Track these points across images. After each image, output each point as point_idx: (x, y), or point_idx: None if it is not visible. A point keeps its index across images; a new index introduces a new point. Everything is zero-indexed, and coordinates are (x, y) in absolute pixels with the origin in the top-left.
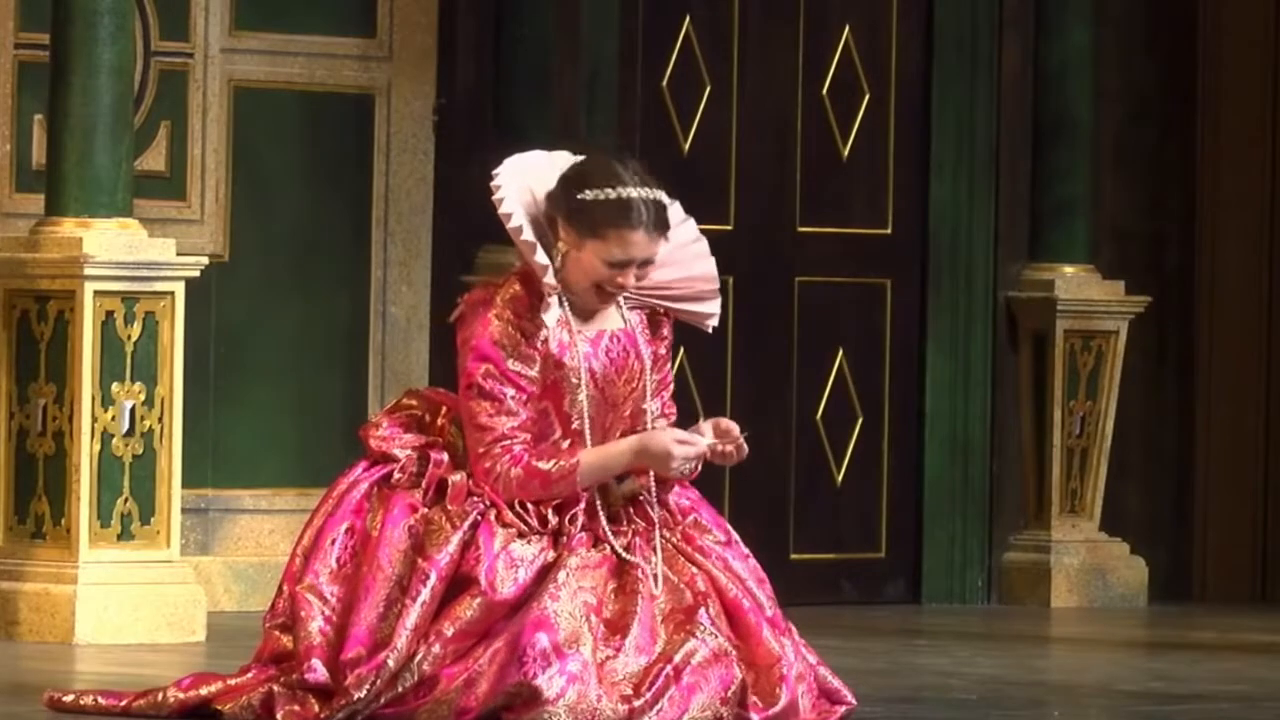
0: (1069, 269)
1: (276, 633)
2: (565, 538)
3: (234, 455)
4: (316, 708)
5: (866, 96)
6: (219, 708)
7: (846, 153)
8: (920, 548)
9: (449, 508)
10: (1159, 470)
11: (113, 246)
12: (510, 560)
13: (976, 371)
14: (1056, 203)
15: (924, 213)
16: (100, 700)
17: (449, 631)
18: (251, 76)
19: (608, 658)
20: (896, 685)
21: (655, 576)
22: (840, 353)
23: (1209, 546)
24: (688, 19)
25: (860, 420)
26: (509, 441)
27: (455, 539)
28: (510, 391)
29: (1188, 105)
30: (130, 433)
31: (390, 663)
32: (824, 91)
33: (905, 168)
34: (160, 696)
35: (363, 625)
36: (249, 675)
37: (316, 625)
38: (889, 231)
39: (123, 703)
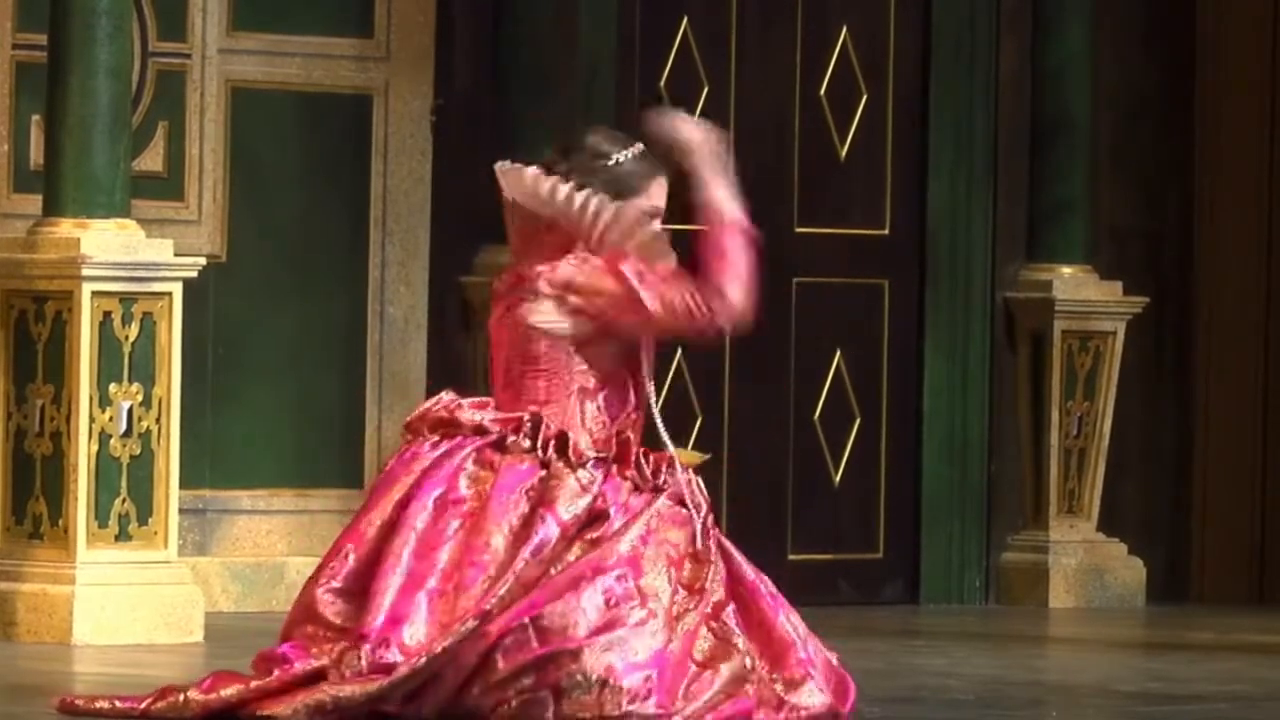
0: (1067, 269)
1: (325, 595)
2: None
3: (231, 456)
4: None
5: (864, 97)
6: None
7: (844, 153)
8: (918, 548)
9: (573, 460)
10: (1157, 470)
11: (110, 247)
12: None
13: (974, 372)
14: (1054, 203)
15: (922, 213)
16: (117, 704)
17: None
18: (249, 77)
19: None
20: (895, 686)
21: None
22: (838, 353)
23: (1207, 547)
24: (685, 19)
25: (858, 420)
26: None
27: (584, 500)
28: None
29: (1186, 106)
30: (128, 433)
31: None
32: (821, 92)
33: (903, 168)
34: (180, 698)
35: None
36: (272, 677)
37: (389, 599)
38: (887, 232)
39: (141, 705)
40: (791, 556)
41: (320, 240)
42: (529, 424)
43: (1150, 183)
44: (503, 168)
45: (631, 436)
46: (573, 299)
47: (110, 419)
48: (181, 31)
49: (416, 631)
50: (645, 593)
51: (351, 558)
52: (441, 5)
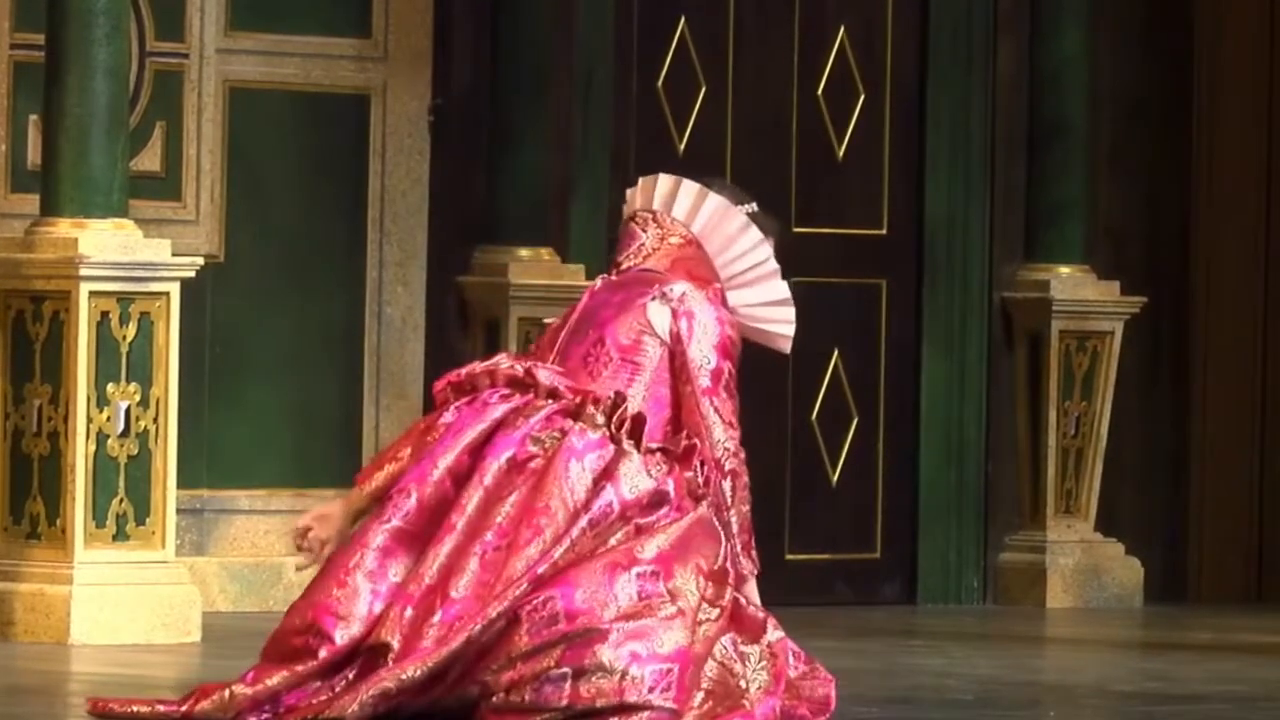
0: (1064, 269)
1: (381, 538)
2: None
3: (229, 456)
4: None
5: (862, 97)
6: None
7: (842, 153)
8: (916, 548)
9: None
10: (1154, 471)
11: (108, 247)
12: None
13: (972, 372)
14: (1052, 203)
15: (920, 213)
16: (159, 707)
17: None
18: (247, 77)
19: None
20: (892, 686)
21: None
22: (836, 353)
23: (1204, 547)
24: (683, 19)
25: (856, 421)
26: (743, 453)
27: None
28: (736, 402)
29: (1183, 106)
30: (125, 433)
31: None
32: (819, 92)
33: (901, 168)
34: (225, 695)
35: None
36: (318, 659)
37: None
38: (884, 232)
39: (183, 708)
40: (789, 557)
41: (318, 240)
42: (610, 400)
43: (1148, 183)
44: (682, 181)
45: (698, 443)
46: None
47: (108, 419)
48: (179, 31)
49: (460, 593)
50: (674, 592)
51: (414, 497)
52: (439, 6)
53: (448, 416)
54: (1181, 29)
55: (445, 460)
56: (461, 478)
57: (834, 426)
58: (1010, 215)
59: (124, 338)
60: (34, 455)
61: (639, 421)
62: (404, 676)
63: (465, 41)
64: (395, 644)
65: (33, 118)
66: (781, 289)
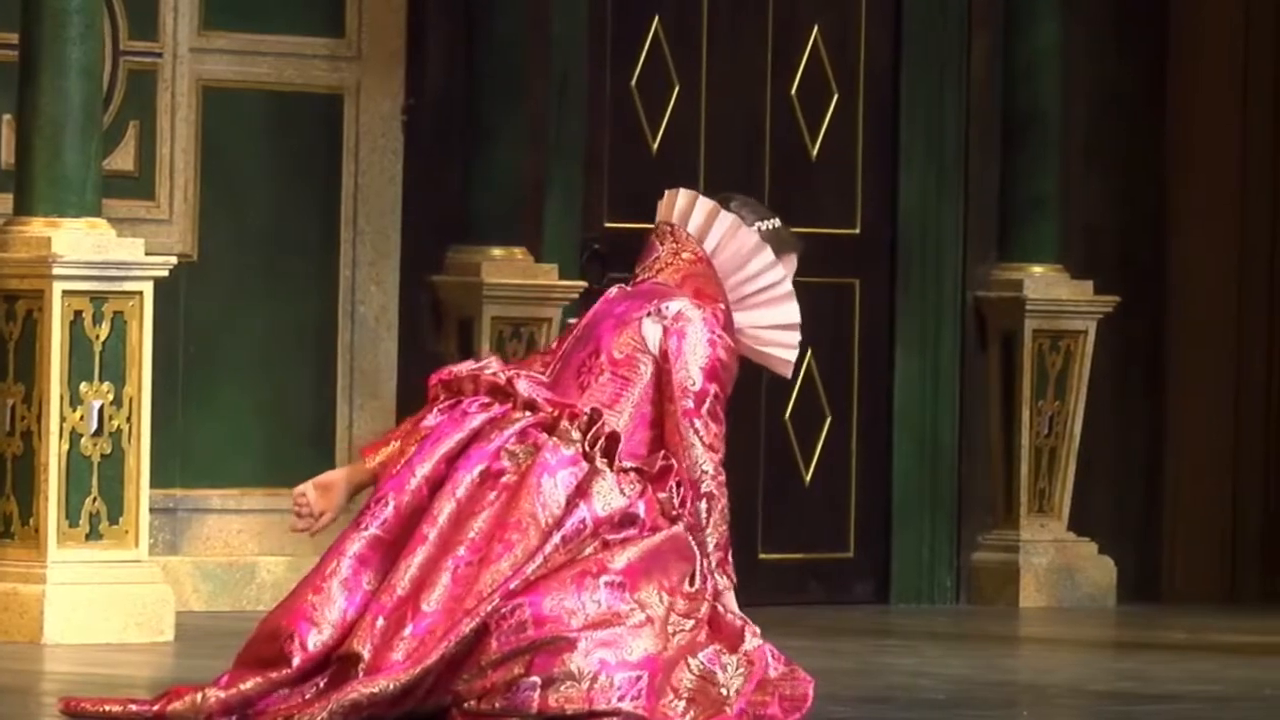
0: (1038, 269)
1: (357, 546)
2: None
3: (202, 455)
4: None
5: (835, 96)
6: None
7: (815, 152)
8: (889, 548)
9: (627, 466)
10: (1127, 470)
11: (81, 246)
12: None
13: (945, 371)
14: (1025, 202)
15: (893, 212)
16: (131, 707)
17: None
18: (220, 76)
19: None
20: (866, 685)
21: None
22: (809, 352)
23: (1177, 547)
24: (656, 19)
25: (829, 420)
26: (723, 476)
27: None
28: (721, 426)
29: (1158, 103)
30: (98, 432)
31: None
32: (793, 91)
33: (874, 167)
34: (198, 698)
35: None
36: (292, 667)
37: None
38: (858, 231)
39: (154, 708)
40: (762, 556)
41: (291, 240)
42: (586, 417)
43: (1122, 181)
44: (698, 197)
45: (674, 463)
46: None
47: (81, 418)
48: (153, 31)
49: (431, 606)
50: (641, 603)
51: (391, 505)
52: (413, 6)
53: (429, 420)
54: (1156, 24)
55: (423, 469)
56: (437, 486)
57: (807, 426)
58: (984, 214)
59: (97, 337)
60: (7, 454)
61: (613, 440)
62: (375, 690)
63: (439, 41)
64: (366, 654)
65: (6, 117)
66: (789, 313)
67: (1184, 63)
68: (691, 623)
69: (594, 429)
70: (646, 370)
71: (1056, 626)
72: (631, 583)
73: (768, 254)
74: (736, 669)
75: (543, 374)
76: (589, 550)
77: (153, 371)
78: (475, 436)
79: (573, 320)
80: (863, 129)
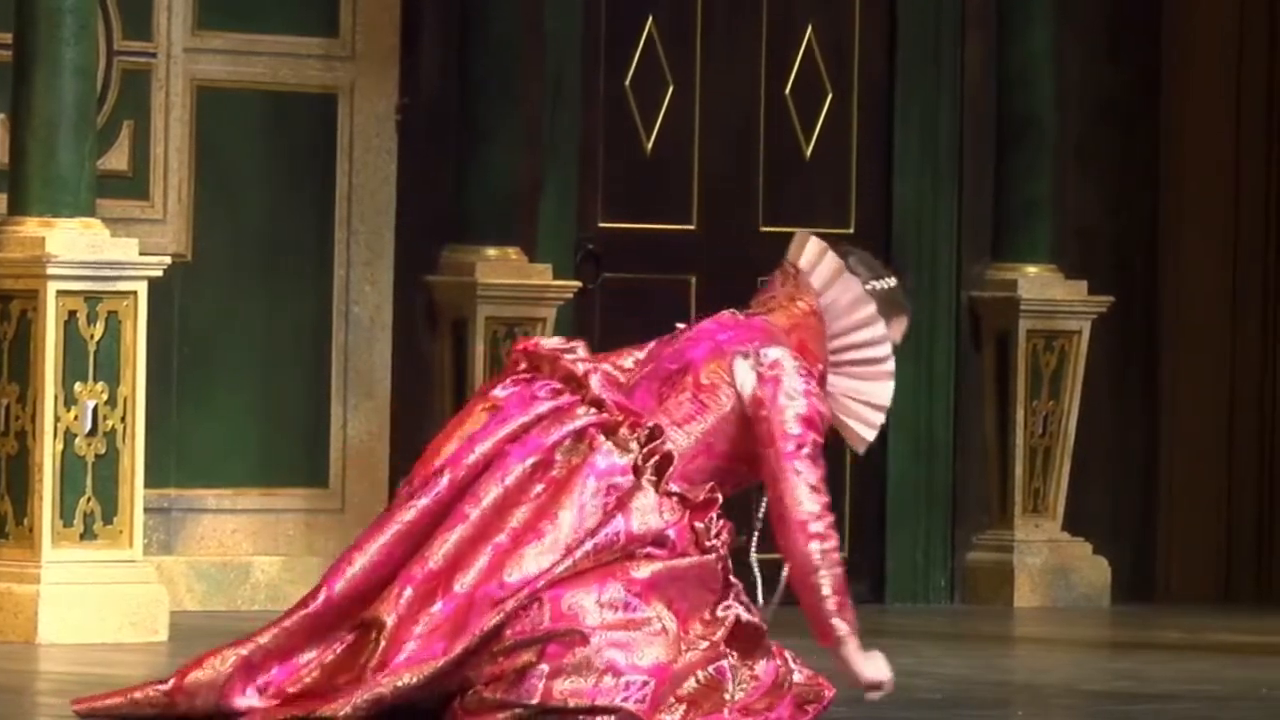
0: (1032, 269)
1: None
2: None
3: (197, 455)
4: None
5: (829, 96)
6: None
7: (809, 152)
8: (884, 548)
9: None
10: (1122, 470)
11: (76, 246)
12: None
13: (940, 371)
14: (1020, 203)
15: (887, 212)
16: (150, 691)
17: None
18: (215, 76)
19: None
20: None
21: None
22: None
23: (1172, 546)
24: (650, 19)
25: None
26: (832, 516)
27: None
28: (822, 470)
29: (1151, 105)
30: (93, 432)
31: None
32: (787, 91)
33: (868, 167)
34: (219, 659)
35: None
36: (306, 610)
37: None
38: (852, 231)
39: (170, 683)
40: (758, 556)
41: (286, 240)
42: (646, 431)
43: (1116, 182)
44: (828, 251)
45: (719, 497)
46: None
47: (75, 418)
48: (147, 31)
49: (464, 588)
50: (656, 617)
51: (447, 478)
52: (407, 5)
53: (500, 391)
54: (1149, 28)
55: (482, 447)
56: (489, 465)
57: None
58: (978, 215)
59: (91, 337)
60: (1, 454)
61: (667, 460)
62: (399, 684)
63: (433, 41)
64: (390, 622)
65: (0, 116)
66: (882, 393)
67: (1177, 66)
68: (706, 644)
69: (652, 444)
70: (727, 403)
71: (1051, 626)
72: (645, 596)
73: (879, 328)
74: (739, 684)
75: (629, 370)
76: (615, 557)
77: (147, 371)
78: (537, 422)
79: (681, 326)
80: (857, 129)
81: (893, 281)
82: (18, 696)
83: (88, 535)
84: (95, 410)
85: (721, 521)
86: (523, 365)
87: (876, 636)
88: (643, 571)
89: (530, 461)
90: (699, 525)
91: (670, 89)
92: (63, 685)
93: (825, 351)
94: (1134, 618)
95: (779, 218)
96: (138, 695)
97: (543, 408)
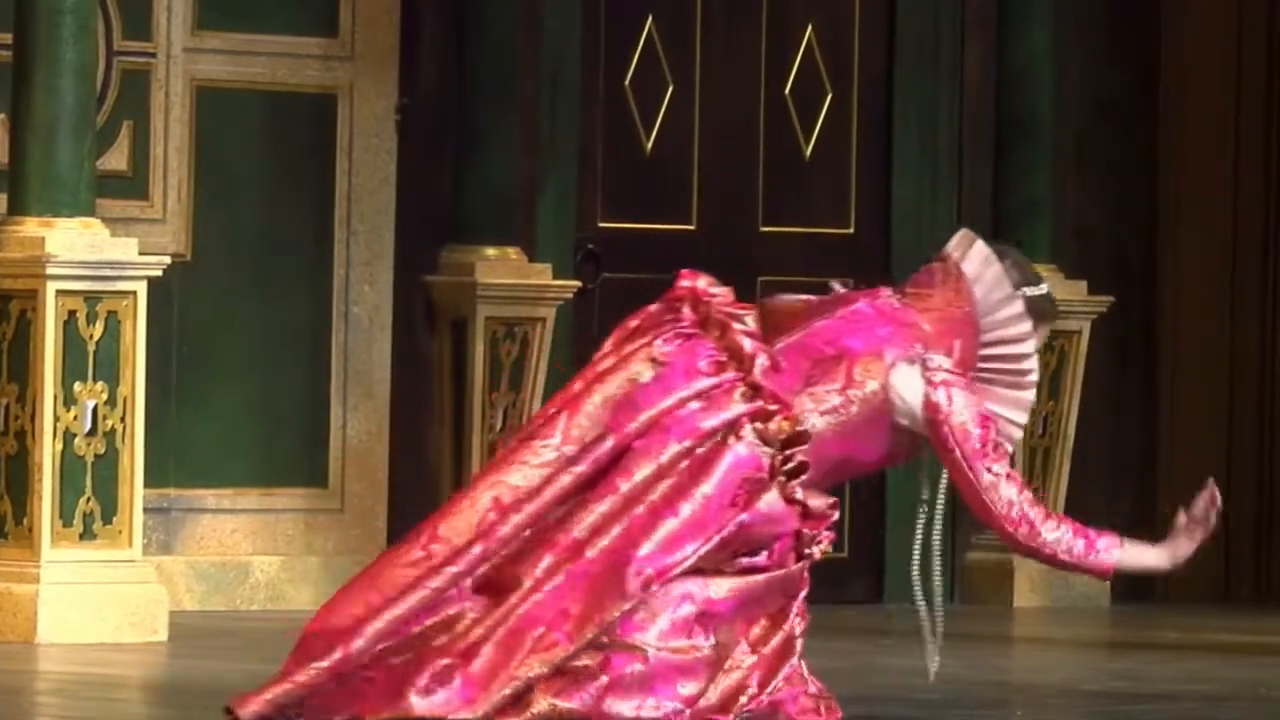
0: None
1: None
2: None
3: (196, 455)
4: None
5: (829, 96)
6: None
7: (809, 152)
8: (883, 547)
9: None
10: (1122, 470)
11: (75, 246)
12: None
13: None
14: (1019, 203)
15: (887, 212)
16: (312, 669)
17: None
18: (214, 76)
19: None
20: (860, 685)
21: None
22: None
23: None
24: (650, 19)
25: None
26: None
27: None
28: (1006, 458)
29: (1150, 106)
30: (92, 432)
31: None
32: (786, 91)
33: (868, 167)
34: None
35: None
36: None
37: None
38: (851, 231)
39: (326, 662)
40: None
41: (285, 240)
42: (793, 431)
43: (1115, 182)
44: (992, 259)
45: (835, 514)
46: (939, 400)
47: (75, 418)
48: (147, 31)
49: (593, 553)
50: (719, 645)
51: (611, 443)
52: (407, 5)
53: (663, 347)
54: (1148, 28)
55: (647, 414)
56: (646, 432)
57: None
58: (977, 215)
59: (91, 337)
60: (0, 454)
61: (802, 469)
62: (531, 675)
63: (432, 41)
64: (528, 584)
65: (0, 116)
66: (1023, 405)
67: (1175, 66)
68: (753, 658)
69: (792, 448)
70: (873, 402)
71: (1050, 626)
72: (711, 623)
73: (1029, 344)
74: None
75: (790, 327)
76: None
77: (146, 371)
78: (696, 398)
79: (838, 287)
80: (856, 129)
81: (1045, 288)
82: (16, 697)
83: (87, 535)
84: (95, 410)
85: (829, 532)
86: (686, 313)
87: (876, 635)
88: (719, 590)
89: (685, 444)
90: (806, 532)
91: (670, 89)
92: (62, 685)
93: (975, 359)
94: (1132, 618)
95: (778, 218)
96: (300, 678)
97: (704, 384)
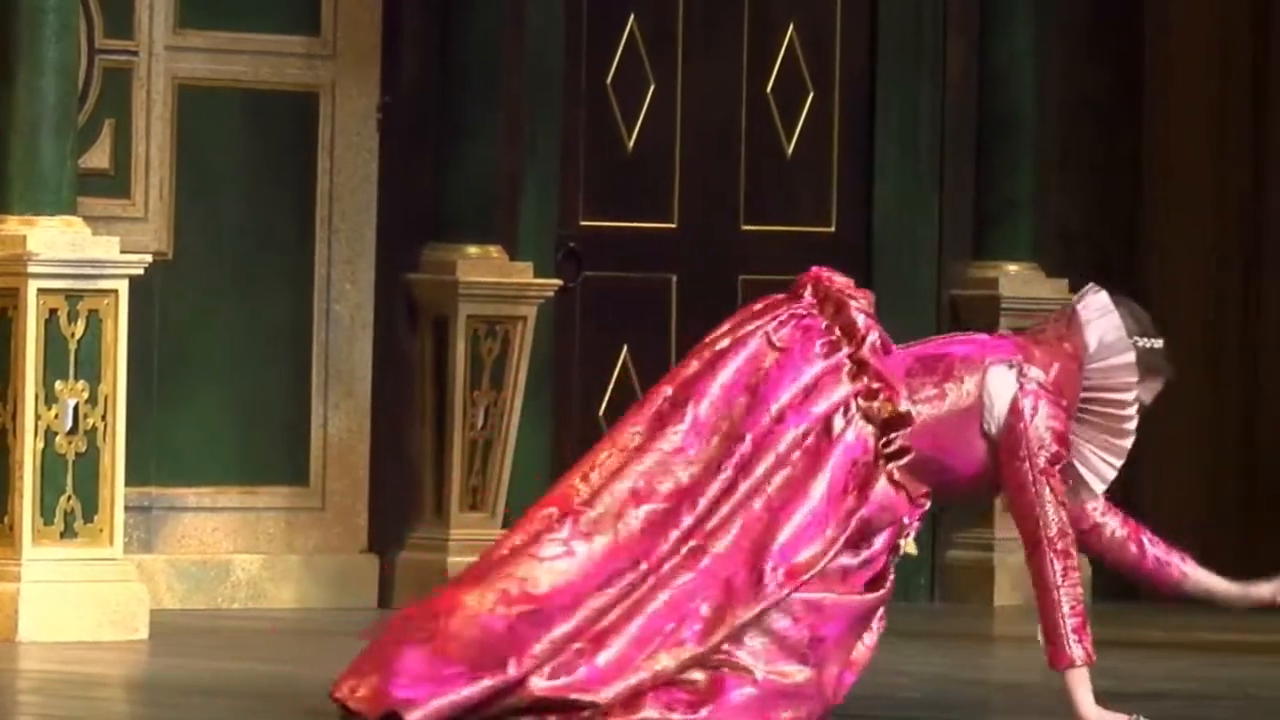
0: (1013, 267)
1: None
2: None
3: (177, 453)
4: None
5: (811, 94)
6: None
7: (791, 151)
8: None
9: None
10: None
11: (57, 244)
12: None
13: None
14: (1001, 201)
15: (868, 211)
16: (484, 682)
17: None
18: (196, 74)
19: None
20: None
21: None
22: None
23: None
24: (632, 18)
25: None
26: (1073, 535)
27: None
28: (1065, 487)
29: (1133, 105)
30: (74, 430)
31: None
32: (768, 89)
33: (849, 166)
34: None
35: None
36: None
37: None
38: (833, 229)
39: (511, 671)
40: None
41: (267, 238)
42: (895, 413)
43: (1098, 181)
44: (1114, 313)
45: (927, 504)
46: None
47: (56, 416)
48: (128, 29)
49: (720, 548)
50: (804, 679)
51: (749, 442)
52: (389, 4)
53: (781, 333)
54: (1131, 28)
55: (776, 405)
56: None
57: None
58: (959, 213)
59: (72, 335)
60: None
61: (904, 451)
62: (658, 669)
63: (414, 39)
64: (652, 579)
65: None
66: (1118, 453)
67: (1159, 65)
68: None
69: (894, 430)
70: (965, 401)
71: (1031, 625)
72: (824, 646)
73: (1132, 393)
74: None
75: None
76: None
77: (128, 370)
78: (815, 384)
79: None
80: (838, 128)
81: (1159, 342)
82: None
83: (68, 533)
84: (76, 409)
85: (916, 524)
86: (806, 296)
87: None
88: (835, 612)
89: (800, 429)
90: (904, 520)
91: (652, 87)
92: (42, 683)
93: (1077, 397)
94: (1116, 616)
95: (760, 216)
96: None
97: (818, 368)
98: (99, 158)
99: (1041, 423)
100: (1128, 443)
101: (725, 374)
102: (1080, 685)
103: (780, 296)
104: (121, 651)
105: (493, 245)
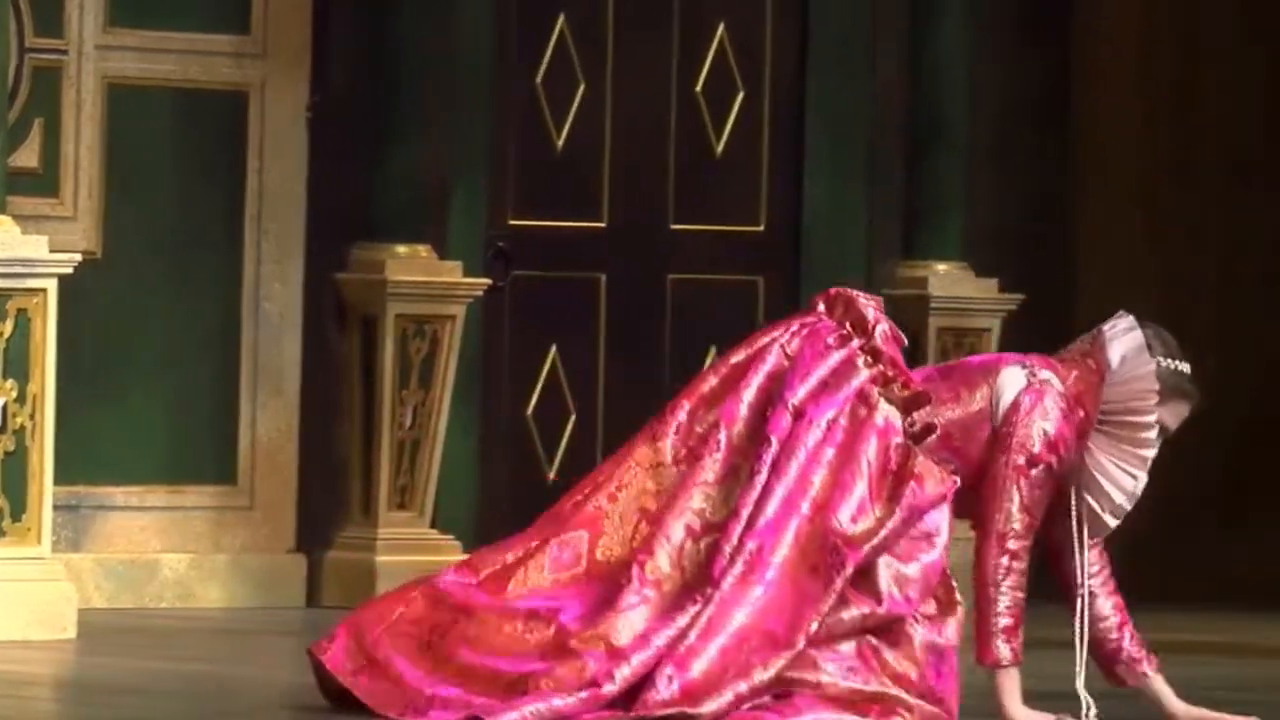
0: (942, 266)
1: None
2: None
3: (106, 452)
4: None
5: (740, 94)
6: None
7: (720, 150)
8: None
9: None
10: None
11: None
12: None
13: None
14: (930, 201)
15: (797, 210)
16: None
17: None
18: (126, 74)
19: None
20: None
21: None
22: (713, 350)
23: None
24: (562, 16)
25: None
26: (1030, 541)
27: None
28: (1041, 494)
29: (1063, 104)
30: (2, 430)
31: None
32: (698, 89)
33: (779, 165)
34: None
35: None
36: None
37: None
38: (762, 229)
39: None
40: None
41: (196, 237)
42: (914, 394)
43: (1029, 181)
44: (1138, 335)
45: (957, 480)
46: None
47: None
48: (58, 28)
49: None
50: (881, 687)
51: (775, 445)
52: (318, 3)
53: (793, 344)
54: (1060, 27)
55: (795, 399)
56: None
57: None
58: (889, 213)
59: (1, 334)
60: None
61: (928, 431)
62: (755, 682)
63: (344, 38)
64: (716, 595)
65: None
66: (1131, 476)
67: (1088, 64)
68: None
69: (916, 411)
70: (977, 404)
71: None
72: (871, 676)
73: (1151, 415)
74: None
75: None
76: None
77: (56, 369)
78: (831, 376)
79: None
80: (768, 127)
81: (1186, 366)
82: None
83: None
84: (4, 407)
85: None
86: (820, 307)
87: None
88: (892, 659)
89: (827, 418)
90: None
91: (581, 87)
92: None
93: (1096, 409)
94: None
95: (690, 215)
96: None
97: (833, 359)
98: (28, 157)
99: (1036, 423)
100: (1148, 453)
101: (749, 394)
102: (1008, 684)
103: (797, 313)
104: (50, 650)
105: (422, 245)
